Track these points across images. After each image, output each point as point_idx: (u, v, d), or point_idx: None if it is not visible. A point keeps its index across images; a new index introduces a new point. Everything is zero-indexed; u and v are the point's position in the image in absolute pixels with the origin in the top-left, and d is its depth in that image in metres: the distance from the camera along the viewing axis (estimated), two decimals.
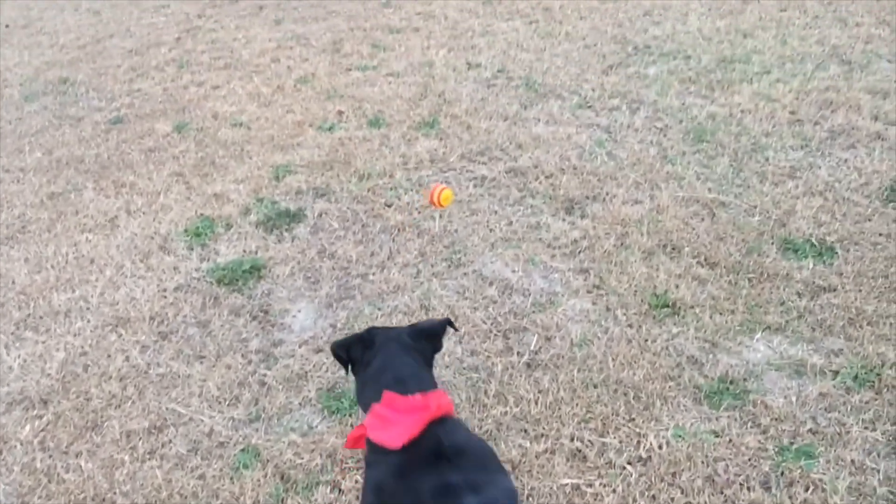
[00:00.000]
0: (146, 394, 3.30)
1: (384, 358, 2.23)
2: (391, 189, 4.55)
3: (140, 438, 3.09)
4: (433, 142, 4.96)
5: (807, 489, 2.68)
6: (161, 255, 4.15)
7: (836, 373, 3.09)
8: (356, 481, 2.84)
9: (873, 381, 3.02)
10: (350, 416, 3.09)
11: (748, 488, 2.71)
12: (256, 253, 4.12)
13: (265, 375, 3.34)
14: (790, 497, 2.66)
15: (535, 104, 5.32)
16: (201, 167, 4.95)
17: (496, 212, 4.27)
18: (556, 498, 2.73)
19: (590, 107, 5.23)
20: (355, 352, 2.31)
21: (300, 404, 3.19)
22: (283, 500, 2.80)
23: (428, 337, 2.33)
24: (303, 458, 2.95)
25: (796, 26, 6.16)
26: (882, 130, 4.62)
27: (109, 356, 3.51)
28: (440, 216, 4.24)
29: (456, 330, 2.85)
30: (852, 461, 2.75)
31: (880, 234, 3.79)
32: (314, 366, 3.37)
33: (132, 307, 3.80)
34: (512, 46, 6.12)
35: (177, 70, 6.49)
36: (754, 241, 3.83)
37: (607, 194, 4.29)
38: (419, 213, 4.31)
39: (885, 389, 2.99)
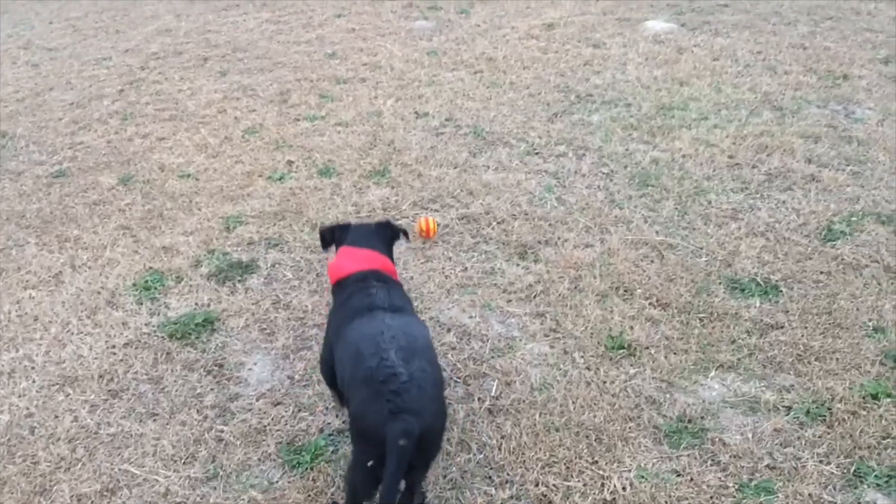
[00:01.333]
0: (97, 455, 3.19)
1: (353, 234, 3.22)
2: None
3: (92, 502, 2.98)
4: (385, 190, 4.99)
5: None
6: (109, 311, 4.06)
7: (789, 408, 3.17)
8: None
9: (825, 416, 3.11)
10: (312, 469, 3.04)
11: None
12: (209, 305, 4.05)
13: (222, 431, 3.27)
14: None
15: (484, 152, 5.41)
16: (149, 220, 4.88)
17: (451, 258, 4.30)
18: None
19: (537, 153, 5.34)
20: (337, 233, 3.25)
21: (259, 460, 3.13)
22: None
23: (386, 227, 3.31)
24: None
25: (729, 74, 6.42)
26: (816, 172, 4.82)
27: (57, 417, 3.40)
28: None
29: (408, 240, 3.58)
30: (810, 495, 2.81)
31: (821, 273, 3.93)
32: (273, 419, 3.31)
33: (80, 365, 3.69)
34: (458, 96, 6.23)
35: (120, 122, 6.41)
36: (703, 281, 3.94)
37: (559, 239, 4.36)
38: None
39: (836, 423, 3.07)
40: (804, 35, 7.11)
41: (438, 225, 4.50)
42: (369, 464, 2.42)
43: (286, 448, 3.16)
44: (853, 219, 4.33)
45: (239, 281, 4.23)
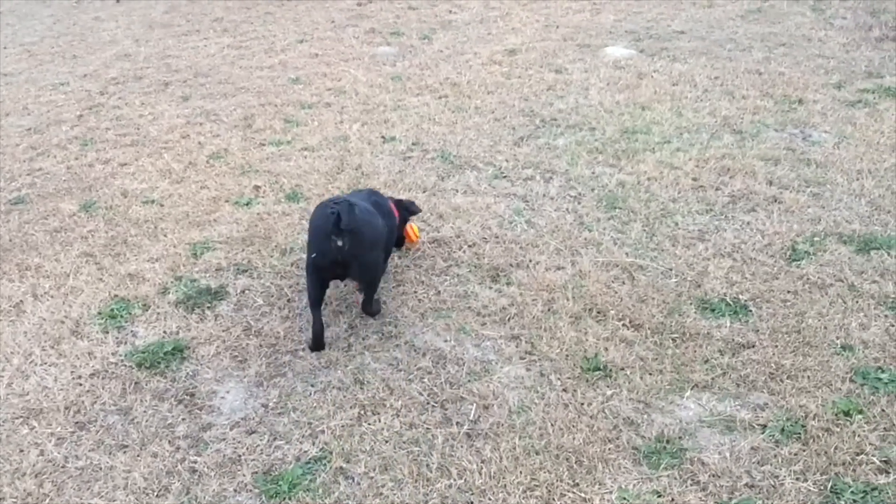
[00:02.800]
0: (65, 490, 3.10)
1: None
2: None
3: None
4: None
5: None
6: (73, 340, 3.95)
7: (764, 426, 3.21)
8: None
9: (799, 433, 3.15)
10: (290, 499, 2.98)
11: None
12: (178, 333, 3.98)
13: (195, 462, 3.20)
14: None
15: (452, 175, 5.43)
16: (112, 247, 4.78)
17: (423, 282, 4.28)
18: None
19: (505, 177, 5.38)
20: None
21: (235, 490, 3.06)
22: None
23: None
24: None
25: (689, 99, 6.55)
26: (777, 194, 4.93)
27: (22, 451, 3.29)
28: None
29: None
30: None
31: (788, 292, 4.01)
32: (248, 449, 3.25)
33: (44, 397, 3.58)
34: (424, 120, 6.25)
35: (80, 148, 6.30)
36: (674, 302, 3.98)
37: (530, 261, 4.38)
38: (345, 286, 4.28)
39: (811, 440, 3.12)
40: (759, 61, 7.31)
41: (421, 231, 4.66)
42: (312, 255, 3.69)
43: (262, 478, 3.10)
44: (816, 239, 4.43)
45: (208, 308, 4.16)
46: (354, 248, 3.59)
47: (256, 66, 8.07)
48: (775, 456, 3.07)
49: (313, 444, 3.26)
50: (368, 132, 6.16)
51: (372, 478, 3.08)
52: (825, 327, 3.73)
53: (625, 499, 2.93)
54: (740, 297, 3.99)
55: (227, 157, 5.92)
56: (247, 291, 4.29)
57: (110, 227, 5.03)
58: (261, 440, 3.30)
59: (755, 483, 2.96)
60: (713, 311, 3.91)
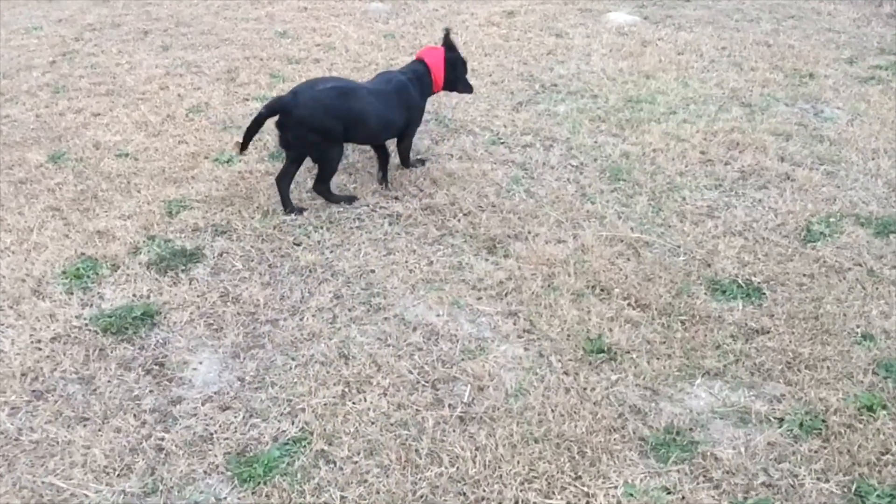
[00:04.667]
0: (17, 465, 2.81)
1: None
2: (299, 226, 4.21)
3: None
4: (342, 177, 4.67)
5: None
6: (34, 301, 3.64)
7: (781, 420, 2.98)
8: None
9: (820, 429, 2.92)
10: (265, 484, 2.71)
11: None
12: (149, 297, 3.68)
13: (162, 439, 2.92)
14: None
15: (447, 140, 5.13)
16: (81, 201, 4.45)
17: (415, 251, 4.00)
18: None
19: (503, 143, 5.08)
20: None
21: (205, 472, 2.79)
22: None
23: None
24: None
25: (695, 69, 6.26)
26: (790, 171, 4.67)
27: None
28: (354, 255, 3.94)
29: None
30: None
31: (804, 275, 3.77)
32: (221, 426, 2.98)
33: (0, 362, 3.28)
34: None
35: (51, 95, 5.92)
36: (682, 281, 3.73)
37: (529, 233, 4.11)
38: (331, 251, 3.99)
39: (833, 437, 2.89)
40: (767, 32, 7.02)
41: None
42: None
43: (235, 459, 2.83)
44: (831, 220, 4.19)
45: (182, 271, 3.86)
46: (295, 125, 4.17)
47: (242, 17, 7.67)
48: (794, 453, 2.84)
49: (292, 423, 2.99)
50: None
51: (356, 462, 2.82)
52: (844, 314, 3.50)
53: (631, 494, 2.69)
54: (753, 279, 3.75)
55: (208, 110, 5.57)
56: (225, 254, 3.98)
57: (80, 180, 4.69)
58: (235, 417, 3.02)
59: (773, 482, 2.73)
60: (724, 292, 3.67)
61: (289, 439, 2.92)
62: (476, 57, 6.50)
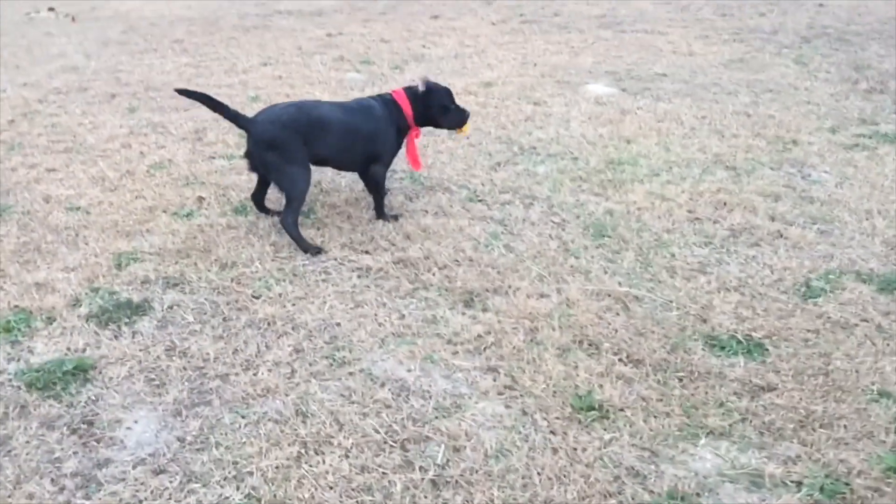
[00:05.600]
0: None
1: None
2: (259, 279, 3.86)
3: None
4: (309, 231, 4.35)
5: None
6: None
7: (799, 484, 2.61)
8: None
9: (843, 493, 2.56)
10: None
11: None
12: (84, 351, 3.29)
13: None
14: None
15: (422, 196, 4.86)
16: (22, 253, 4.09)
17: (385, 304, 3.66)
18: None
19: (481, 200, 4.82)
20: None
21: None
22: None
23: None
24: None
25: (676, 136, 6.11)
26: (782, 229, 4.43)
27: None
28: (319, 308, 3.59)
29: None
30: None
31: (808, 331, 3.46)
32: (153, 492, 2.56)
33: None
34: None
35: (5, 152, 5.61)
36: (677, 336, 3.41)
37: (510, 287, 3.79)
38: (293, 304, 3.64)
39: (859, 502, 2.52)
40: (746, 104, 6.93)
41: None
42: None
43: None
44: (831, 276, 3.92)
45: (126, 324, 3.48)
46: (253, 145, 4.20)
47: (215, 84, 7.50)
48: None
49: (237, 488, 2.58)
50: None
51: None
52: (856, 371, 3.18)
53: None
54: (753, 334, 3.44)
55: (171, 167, 5.29)
56: (175, 307, 3.62)
57: (24, 232, 4.34)
58: (171, 482, 2.60)
59: None
60: (723, 348, 3.34)
61: None
62: None
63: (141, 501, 2.51)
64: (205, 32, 9.04)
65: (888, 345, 3.36)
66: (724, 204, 4.80)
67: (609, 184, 5.11)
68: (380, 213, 4.50)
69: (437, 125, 4.65)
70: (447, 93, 4.63)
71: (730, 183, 5.14)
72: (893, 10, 11.26)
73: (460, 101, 6.87)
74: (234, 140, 5.84)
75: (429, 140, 5.83)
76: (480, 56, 8.77)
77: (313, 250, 4.10)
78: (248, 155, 4.27)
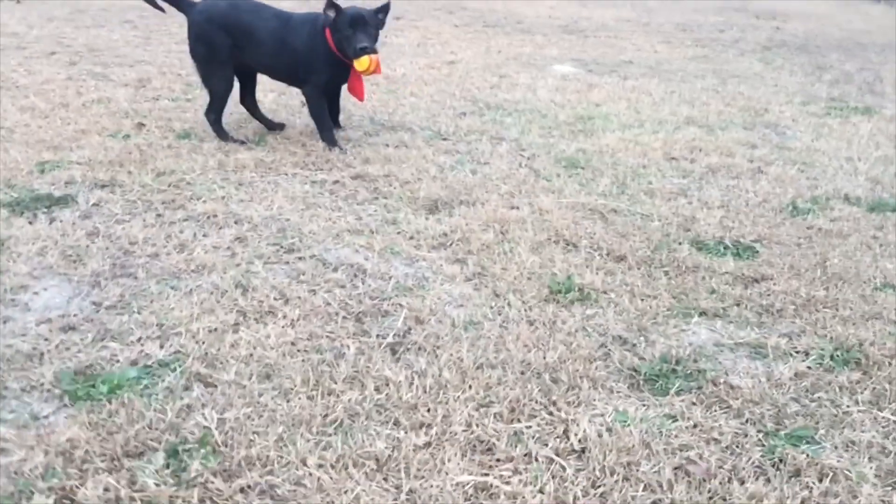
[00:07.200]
0: None
1: None
2: (201, 185, 3.48)
3: None
4: (259, 152, 4.00)
5: (821, 478, 1.79)
6: None
7: (807, 353, 2.31)
8: (105, 488, 1.63)
9: (858, 359, 2.27)
10: (110, 402, 1.88)
11: (739, 480, 1.77)
12: None
13: None
14: (805, 488, 1.75)
15: (382, 134, 4.54)
16: None
17: (340, 208, 3.32)
18: (452, 501, 1.66)
19: (446, 139, 4.51)
20: None
21: (23, 389, 1.95)
22: None
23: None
24: (9, 458, 1.70)
25: (645, 104, 5.91)
26: (762, 167, 4.22)
27: None
28: (266, 208, 3.22)
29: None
30: (869, 443, 1.91)
31: (800, 238, 3.20)
32: (58, 346, 2.15)
33: None
34: (349, 98, 5.24)
35: None
36: (660, 240, 3.11)
37: (477, 199, 3.47)
38: (237, 204, 3.27)
39: (874, 367, 2.23)
40: (714, 84, 6.80)
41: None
42: None
43: (70, 377, 1.99)
44: (818, 199, 3.70)
45: (44, 213, 3.07)
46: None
47: (164, 51, 7.12)
48: (829, 383, 2.17)
49: (161, 347, 2.18)
50: (288, 99, 5.23)
51: (244, 386, 2.02)
52: (856, 267, 2.92)
53: (625, 422, 1.95)
54: (741, 239, 3.16)
55: (110, 104, 4.89)
56: (103, 203, 3.22)
57: None
58: (81, 338, 2.20)
59: (810, 412, 2.04)
60: (710, 251, 3.06)
61: (154, 362, 2.10)
62: (416, 85, 6.04)
63: (43, 353, 2.10)
64: (157, 16, 8.67)
65: (885, 249, 3.11)
66: (700, 150, 4.57)
67: (580, 133, 4.85)
68: (321, 130, 4.21)
69: (342, 51, 3.95)
70: (351, 16, 3.87)
71: (704, 135, 4.93)
72: (849, 31, 11.43)
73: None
74: (181, 87, 5.46)
75: (390, 97, 5.53)
76: (444, 45, 8.56)
77: (238, 142, 4.09)
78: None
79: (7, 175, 3.46)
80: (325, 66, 4.04)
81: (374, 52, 3.91)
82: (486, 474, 1.75)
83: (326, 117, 4.20)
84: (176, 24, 8.49)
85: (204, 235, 2.94)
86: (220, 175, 3.63)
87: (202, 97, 4.53)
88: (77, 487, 1.63)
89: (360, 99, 4.31)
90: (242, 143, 4.11)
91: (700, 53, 8.78)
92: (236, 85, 4.25)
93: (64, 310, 2.35)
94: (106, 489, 1.62)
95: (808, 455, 1.85)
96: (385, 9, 4.05)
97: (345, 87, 4.27)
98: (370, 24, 3.91)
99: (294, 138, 4.31)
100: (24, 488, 1.62)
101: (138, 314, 2.34)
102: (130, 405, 1.88)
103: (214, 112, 4.14)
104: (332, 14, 3.88)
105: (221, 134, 4.16)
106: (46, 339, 2.17)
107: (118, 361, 2.09)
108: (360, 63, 3.87)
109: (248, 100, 4.38)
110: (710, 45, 9.64)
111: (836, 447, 1.90)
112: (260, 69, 4.25)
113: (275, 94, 5.10)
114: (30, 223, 2.96)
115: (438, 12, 11.29)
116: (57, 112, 4.60)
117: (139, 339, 2.20)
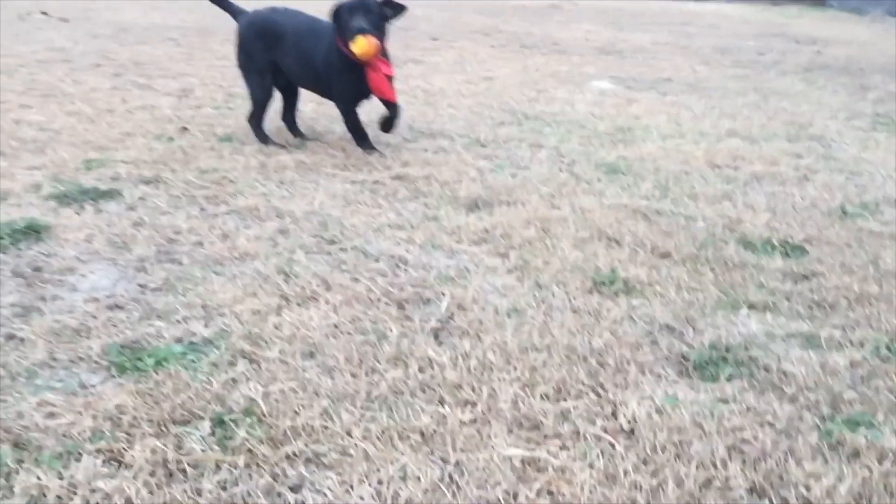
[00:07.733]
0: None
1: None
2: (243, 181, 3.51)
3: None
4: (300, 155, 4.03)
5: (881, 460, 1.72)
6: None
7: (862, 343, 2.25)
8: (152, 451, 1.62)
9: None
10: (157, 373, 1.88)
11: (796, 461, 1.71)
12: (39, 218, 2.90)
13: (20, 329, 2.09)
14: (865, 467, 1.69)
15: (421, 140, 4.55)
16: None
17: (381, 205, 3.32)
18: (500, 475, 1.62)
19: (484, 146, 4.51)
20: None
21: (71, 361, 1.96)
22: (9, 475, 1.52)
23: None
24: (58, 420, 1.69)
25: (686, 117, 5.87)
26: (808, 175, 4.14)
27: None
28: (308, 203, 3.24)
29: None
30: None
31: (850, 239, 3.13)
32: (104, 322, 2.17)
33: None
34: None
35: None
36: (706, 239, 3.07)
37: (517, 199, 3.46)
38: (279, 200, 3.28)
39: None
40: (756, 100, 6.74)
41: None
42: None
43: (117, 350, 2.00)
44: (868, 204, 3.62)
45: (90, 204, 3.11)
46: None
47: (207, 65, 7.25)
48: (886, 373, 2.10)
49: (206, 325, 2.19)
50: (326, 107, 5.27)
51: (288, 363, 2.01)
52: None
53: (674, 404, 1.90)
54: (790, 240, 3.10)
55: (154, 111, 4.97)
56: (148, 197, 3.25)
57: None
58: (127, 316, 2.21)
59: (867, 398, 1.97)
60: (758, 249, 3.00)
61: (199, 339, 2.11)
62: (453, 97, 6.07)
63: (91, 328, 2.11)
64: (199, 34, 8.87)
65: None
66: (743, 158, 4.51)
67: (620, 142, 4.82)
68: (356, 138, 4.23)
69: (343, 39, 3.82)
70: (350, 5, 3.79)
71: (747, 146, 4.87)
72: (891, 56, 11.28)
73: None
74: (222, 97, 5.55)
75: (428, 109, 5.56)
76: (481, 64, 8.61)
77: (277, 145, 4.14)
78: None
79: (55, 171, 3.53)
80: (341, 73, 3.96)
81: (373, 35, 3.71)
82: (534, 450, 1.71)
83: (362, 129, 4.21)
84: (217, 42, 8.70)
85: (246, 227, 2.96)
86: (262, 174, 3.66)
87: (244, 105, 4.58)
88: (125, 450, 1.62)
89: (390, 97, 4.08)
90: (283, 146, 4.13)
91: (740, 73, 8.70)
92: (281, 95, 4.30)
93: (110, 290, 2.37)
94: (153, 451, 1.61)
95: (866, 439, 1.79)
96: (396, 6, 3.94)
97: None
98: (372, 12, 3.79)
99: (334, 143, 4.34)
100: (72, 449, 1.62)
101: (183, 296, 2.35)
102: (177, 376, 1.88)
103: (256, 118, 4.24)
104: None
105: (262, 137, 4.21)
106: (94, 317, 2.19)
107: (164, 338, 2.09)
108: (357, 45, 3.68)
109: (288, 117, 4.41)
110: (750, 66, 9.56)
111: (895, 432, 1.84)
112: (296, 80, 4.27)
113: (314, 104, 5.13)
114: (77, 214, 3.01)
115: (475, 34, 11.36)
116: (103, 117, 4.68)
117: (184, 318, 2.21)
